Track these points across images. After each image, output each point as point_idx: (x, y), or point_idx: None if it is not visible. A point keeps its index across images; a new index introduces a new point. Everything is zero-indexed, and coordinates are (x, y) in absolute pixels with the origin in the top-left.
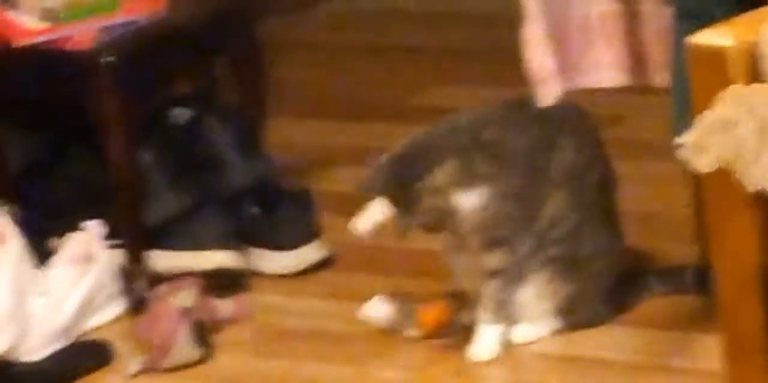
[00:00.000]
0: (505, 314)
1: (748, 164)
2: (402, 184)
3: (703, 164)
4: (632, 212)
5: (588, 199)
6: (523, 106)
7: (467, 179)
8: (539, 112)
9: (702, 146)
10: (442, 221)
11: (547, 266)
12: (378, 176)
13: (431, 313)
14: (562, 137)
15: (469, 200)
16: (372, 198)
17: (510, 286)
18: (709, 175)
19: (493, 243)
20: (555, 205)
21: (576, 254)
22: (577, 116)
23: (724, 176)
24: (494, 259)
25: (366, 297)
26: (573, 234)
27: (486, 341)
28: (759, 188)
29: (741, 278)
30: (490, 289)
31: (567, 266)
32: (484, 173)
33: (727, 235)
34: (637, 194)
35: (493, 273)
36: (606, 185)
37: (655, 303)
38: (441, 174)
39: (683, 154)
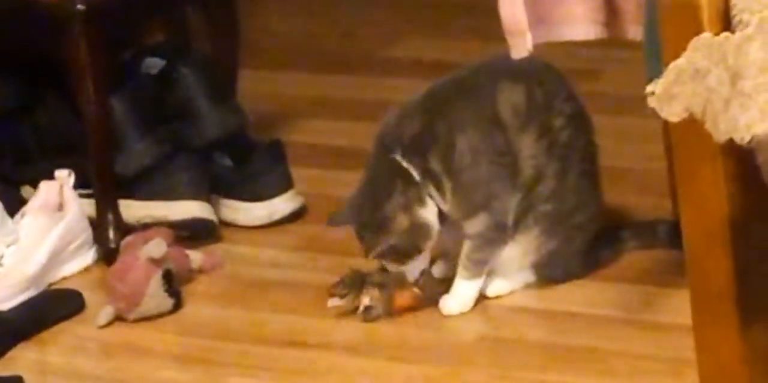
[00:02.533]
0: (482, 271)
1: (717, 114)
2: (368, 213)
3: (672, 113)
4: (607, 167)
5: (562, 146)
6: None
7: (422, 190)
8: (478, 68)
9: (671, 95)
10: (414, 239)
11: (539, 223)
12: (348, 208)
13: (406, 298)
14: (505, 83)
15: (431, 211)
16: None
17: (490, 246)
18: (677, 125)
19: (473, 210)
20: (530, 153)
21: (562, 210)
22: (533, 66)
23: (692, 127)
24: (474, 223)
25: (338, 249)
26: (558, 187)
27: (459, 296)
28: (727, 138)
29: (709, 229)
30: (468, 249)
31: (554, 223)
32: (438, 169)
33: (695, 186)
34: (612, 148)
35: (472, 235)
36: (581, 138)
37: (628, 258)
38: (395, 201)
39: (652, 103)
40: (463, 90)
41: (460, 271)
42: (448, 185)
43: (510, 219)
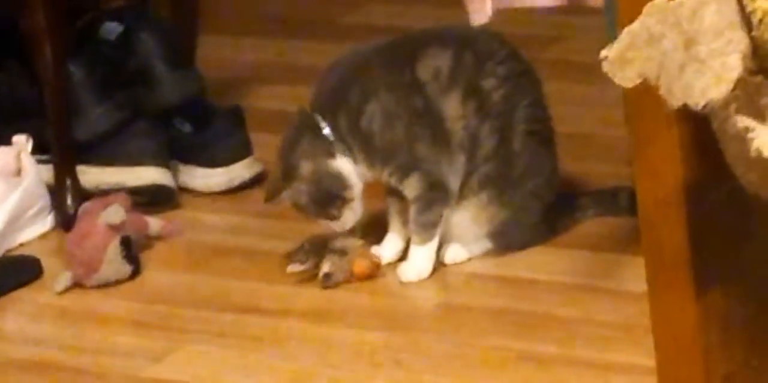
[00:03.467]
0: (433, 234)
1: (671, 79)
2: (278, 161)
3: (626, 78)
4: (567, 134)
5: (495, 107)
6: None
7: (330, 145)
8: (411, 35)
9: (625, 60)
10: (327, 187)
11: (485, 187)
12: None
13: (365, 266)
14: (431, 49)
15: (343, 164)
16: None
17: (433, 207)
18: (632, 91)
19: (403, 172)
20: (457, 114)
21: (510, 174)
22: (470, 32)
23: (647, 93)
24: (411, 185)
25: (298, 216)
26: (498, 148)
27: (415, 262)
28: (682, 104)
29: (663, 195)
30: (413, 213)
31: (502, 188)
32: (345, 130)
33: (650, 152)
34: (572, 115)
35: (414, 199)
36: (522, 99)
37: (588, 225)
38: (300, 150)
39: (606, 68)
40: (385, 55)
41: (412, 238)
42: (357, 146)
43: (451, 181)
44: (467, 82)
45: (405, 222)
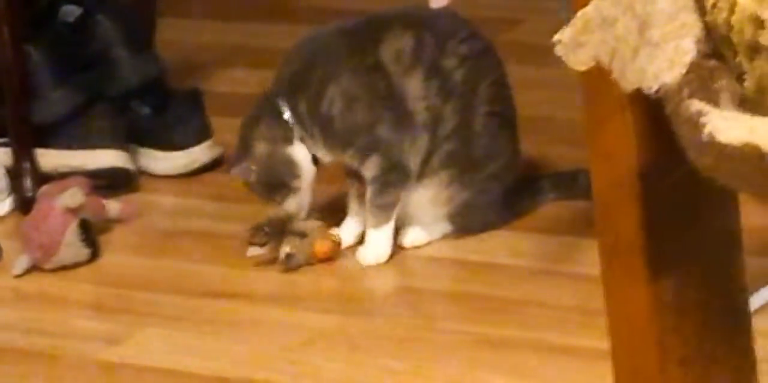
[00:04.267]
0: (389, 216)
1: (625, 63)
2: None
3: (579, 61)
4: (527, 117)
5: (457, 86)
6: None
7: (289, 130)
8: (371, 18)
9: (578, 43)
10: (277, 173)
11: (446, 167)
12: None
13: (326, 247)
14: (392, 32)
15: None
16: None
17: (390, 189)
18: (586, 75)
19: (363, 154)
20: (419, 94)
21: (470, 155)
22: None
23: (601, 76)
24: (370, 167)
25: (255, 200)
26: (459, 127)
27: (373, 245)
28: (636, 87)
29: (618, 179)
30: (370, 194)
31: (463, 169)
32: (306, 114)
33: (604, 136)
34: (532, 98)
35: (371, 180)
36: (483, 78)
37: (548, 209)
38: (258, 131)
39: (559, 51)
40: (346, 39)
41: (368, 220)
42: (316, 130)
43: (411, 161)
44: (429, 62)
45: (364, 205)
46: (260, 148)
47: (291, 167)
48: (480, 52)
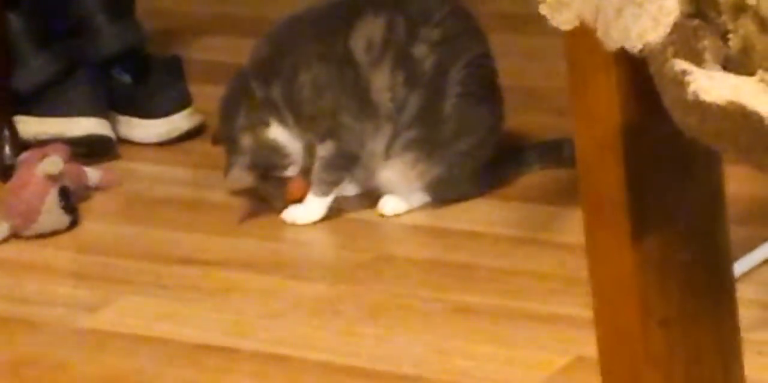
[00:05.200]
0: (329, 191)
1: (608, 22)
2: (222, 131)
3: (563, 21)
4: (511, 87)
5: (426, 75)
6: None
7: (265, 113)
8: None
9: (562, 2)
10: (267, 157)
11: (409, 150)
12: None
13: (300, 185)
14: (365, 17)
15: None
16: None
17: (335, 171)
18: (569, 34)
19: (321, 137)
20: (384, 86)
21: (437, 137)
22: None
23: (584, 36)
24: (324, 148)
25: None
26: (423, 115)
27: (306, 208)
28: (619, 47)
29: (601, 139)
30: (317, 167)
31: (428, 150)
32: (279, 99)
33: (588, 96)
34: (516, 67)
35: (320, 157)
36: (455, 62)
37: (532, 177)
38: (240, 122)
39: (543, 10)
40: (320, 25)
41: (312, 188)
42: (288, 114)
43: (374, 148)
44: (398, 52)
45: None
46: (245, 140)
47: (276, 149)
48: (458, 32)
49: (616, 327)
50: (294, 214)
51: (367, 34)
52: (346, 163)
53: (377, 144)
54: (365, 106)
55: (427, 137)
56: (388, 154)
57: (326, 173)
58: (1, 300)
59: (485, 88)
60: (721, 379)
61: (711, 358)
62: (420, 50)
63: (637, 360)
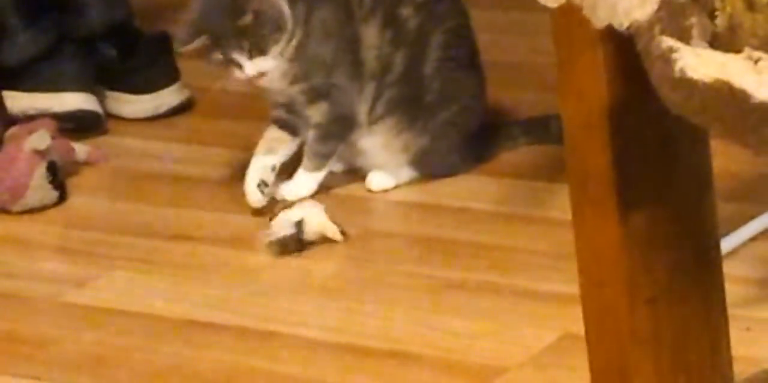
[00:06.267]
0: (324, 165)
1: None
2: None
3: None
4: (497, 62)
5: (410, 35)
6: None
7: None
8: None
9: None
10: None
11: (391, 113)
12: (188, 25)
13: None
14: None
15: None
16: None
17: (331, 139)
18: (557, 12)
19: (316, 96)
20: (373, 43)
21: (419, 100)
22: None
23: (572, 13)
24: (317, 112)
25: (225, 142)
26: (407, 74)
27: (298, 184)
28: (606, 23)
29: (588, 116)
30: (310, 140)
31: (412, 115)
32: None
33: (574, 73)
34: (503, 43)
35: (314, 125)
36: (438, 26)
37: (518, 154)
38: None
39: None
40: None
41: (304, 162)
42: (295, 42)
43: (359, 111)
44: (386, 9)
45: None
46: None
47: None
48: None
49: (602, 304)
50: (288, 190)
51: None
52: (340, 130)
53: (361, 107)
54: (355, 64)
55: (409, 98)
56: (370, 119)
57: (320, 144)
58: None
59: (465, 57)
60: (708, 356)
61: (698, 335)
62: (406, 11)
63: (623, 336)
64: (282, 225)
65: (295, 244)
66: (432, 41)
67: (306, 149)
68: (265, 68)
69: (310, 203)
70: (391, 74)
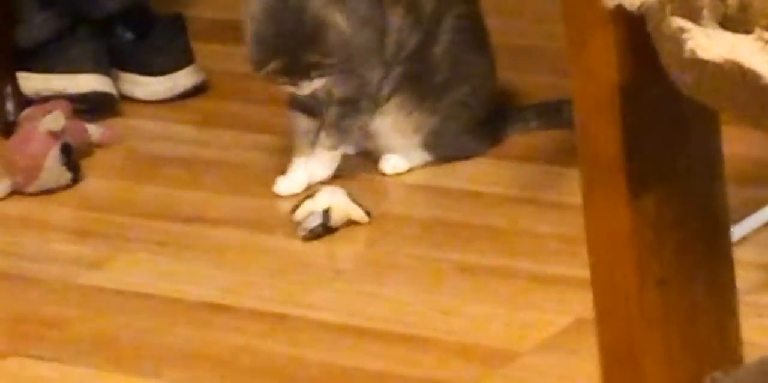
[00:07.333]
0: (344, 140)
1: None
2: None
3: None
4: (511, 46)
5: (425, 18)
6: None
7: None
8: None
9: None
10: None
11: (399, 92)
12: (261, 43)
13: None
14: None
15: (341, 19)
16: None
17: (356, 114)
18: None
19: (348, 70)
20: (396, 27)
21: (429, 80)
22: None
23: None
24: (347, 88)
25: (238, 125)
26: (416, 53)
27: (323, 165)
28: (617, 3)
29: (599, 97)
30: (333, 115)
31: (422, 95)
32: None
33: (585, 53)
34: (517, 27)
35: (340, 100)
36: (451, 9)
37: (530, 138)
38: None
39: None
40: None
41: (322, 140)
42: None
43: (375, 92)
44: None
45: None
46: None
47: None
48: None
49: (612, 287)
50: (317, 174)
51: None
52: (365, 106)
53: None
54: (380, 47)
55: (416, 76)
56: (380, 99)
57: (347, 119)
58: (2, 256)
59: (475, 40)
60: (717, 339)
61: (707, 319)
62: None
63: (633, 320)
64: (309, 215)
65: (325, 231)
66: (443, 24)
67: (326, 125)
68: (318, 86)
69: (331, 188)
70: (402, 53)
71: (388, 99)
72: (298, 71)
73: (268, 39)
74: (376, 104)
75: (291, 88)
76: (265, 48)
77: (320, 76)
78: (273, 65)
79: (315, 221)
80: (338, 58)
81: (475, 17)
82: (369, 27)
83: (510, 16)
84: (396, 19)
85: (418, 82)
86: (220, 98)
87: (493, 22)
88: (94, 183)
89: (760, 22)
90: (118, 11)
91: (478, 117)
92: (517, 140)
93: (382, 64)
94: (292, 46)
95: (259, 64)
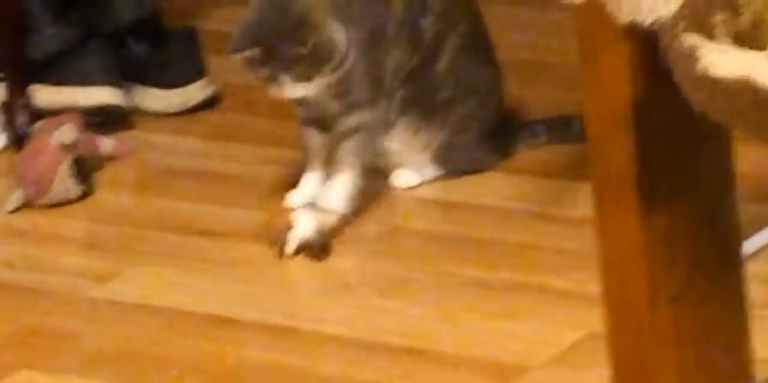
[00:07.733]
0: (362, 162)
1: None
2: (273, 30)
3: None
4: (521, 60)
5: (426, 43)
6: None
7: (338, 11)
8: None
9: None
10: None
11: (405, 113)
12: (246, 31)
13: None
14: None
15: (341, 32)
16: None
17: (373, 139)
18: (581, 7)
19: (349, 107)
20: (394, 59)
21: (433, 98)
22: None
23: (596, 9)
24: (352, 120)
25: (250, 138)
26: (414, 74)
27: (346, 192)
28: (630, 20)
29: (611, 113)
30: (351, 144)
31: (428, 113)
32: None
33: (598, 69)
34: (527, 41)
35: (353, 130)
36: (453, 30)
37: (542, 152)
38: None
39: None
40: None
41: (340, 165)
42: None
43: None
44: (412, 26)
45: (326, 158)
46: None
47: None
48: (453, 4)
49: (624, 303)
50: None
51: (395, 6)
52: (380, 131)
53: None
54: (380, 80)
55: (419, 97)
56: (388, 123)
57: (360, 145)
58: (12, 269)
59: (479, 54)
60: (730, 355)
61: (719, 335)
62: (427, 21)
63: (645, 335)
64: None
65: (321, 248)
66: (446, 44)
67: (346, 154)
68: (305, 94)
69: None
70: (400, 76)
71: (394, 121)
72: (272, 64)
73: (253, 27)
74: (386, 126)
75: (274, 87)
76: (246, 35)
77: (299, 76)
78: (248, 53)
79: (309, 237)
80: (328, 65)
81: (478, 32)
82: (367, 61)
83: (523, 30)
84: (398, 53)
85: (422, 102)
86: (231, 111)
87: (502, 37)
88: (105, 196)
89: None
90: (130, 24)
91: (487, 129)
92: (527, 154)
93: (383, 94)
94: (271, 38)
95: (236, 49)
